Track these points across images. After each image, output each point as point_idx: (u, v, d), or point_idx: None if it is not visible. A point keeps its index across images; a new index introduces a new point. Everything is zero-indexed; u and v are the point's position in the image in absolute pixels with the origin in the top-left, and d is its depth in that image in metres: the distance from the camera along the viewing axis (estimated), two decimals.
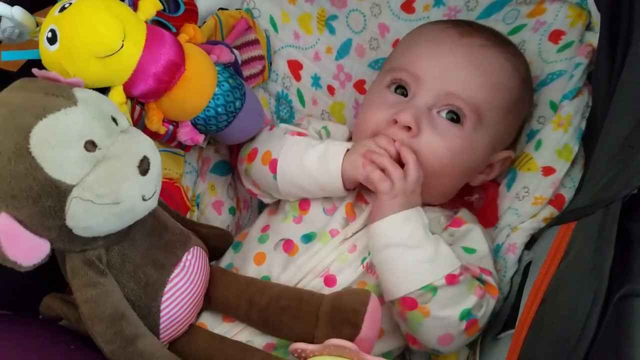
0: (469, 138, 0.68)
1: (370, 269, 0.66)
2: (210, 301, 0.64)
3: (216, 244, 0.70)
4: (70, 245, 0.51)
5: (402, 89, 0.72)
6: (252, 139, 0.76)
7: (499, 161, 0.73)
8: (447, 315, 0.62)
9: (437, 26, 0.74)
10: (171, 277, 0.58)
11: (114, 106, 0.53)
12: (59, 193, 0.47)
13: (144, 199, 0.51)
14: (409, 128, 0.67)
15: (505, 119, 0.71)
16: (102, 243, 0.53)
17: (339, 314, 0.57)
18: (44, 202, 0.46)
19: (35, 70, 0.52)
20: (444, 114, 0.69)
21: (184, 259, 0.59)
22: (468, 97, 0.68)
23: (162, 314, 0.57)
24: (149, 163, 0.50)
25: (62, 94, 0.49)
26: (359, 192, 0.71)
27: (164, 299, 0.57)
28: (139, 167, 0.50)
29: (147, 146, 0.52)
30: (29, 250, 0.48)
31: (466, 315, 0.62)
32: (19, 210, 0.46)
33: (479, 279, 0.65)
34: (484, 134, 0.69)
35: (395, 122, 0.68)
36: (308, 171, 0.68)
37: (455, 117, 0.69)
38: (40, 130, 0.46)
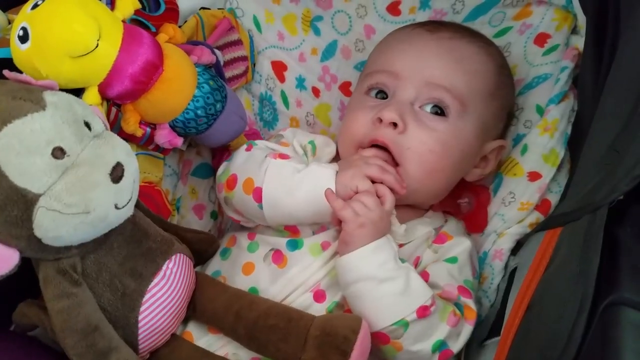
0: (456, 128, 0.68)
1: None
2: (195, 310, 0.62)
3: (201, 248, 0.68)
4: (42, 253, 0.49)
5: (382, 94, 0.71)
6: (230, 162, 0.71)
7: (493, 152, 0.73)
8: (419, 349, 0.61)
9: (406, 28, 0.75)
10: (150, 286, 0.55)
11: (89, 109, 0.51)
12: (25, 202, 0.45)
13: (117, 208, 0.49)
14: (395, 125, 0.66)
15: (489, 106, 0.70)
16: (77, 252, 0.51)
17: (328, 340, 0.56)
18: (9, 212, 0.45)
19: (6, 72, 0.50)
20: (427, 108, 0.68)
21: (164, 267, 0.57)
22: (448, 85, 0.67)
23: (140, 324, 0.55)
24: (123, 170, 0.48)
25: (30, 97, 0.46)
26: None
27: (142, 309, 0.55)
28: (111, 174, 0.47)
29: (122, 152, 0.49)
30: None
31: (439, 347, 0.61)
32: None
33: (456, 303, 0.64)
34: (470, 122, 0.69)
35: (380, 121, 0.67)
36: (299, 200, 0.64)
37: (439, 111, 0.68)
38: (5, 136, 0.44)
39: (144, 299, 0.55)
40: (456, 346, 0.62)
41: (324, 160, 0.73)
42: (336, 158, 0.75)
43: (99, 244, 0.52)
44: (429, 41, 0.70)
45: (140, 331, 0.55)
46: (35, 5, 0.53)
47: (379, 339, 0.60)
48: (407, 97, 0.68)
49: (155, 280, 0.56)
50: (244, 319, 0.59)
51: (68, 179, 0.46)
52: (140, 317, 0.55)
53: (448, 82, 0.67)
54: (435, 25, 0.72)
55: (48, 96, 0.47)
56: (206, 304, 0.62)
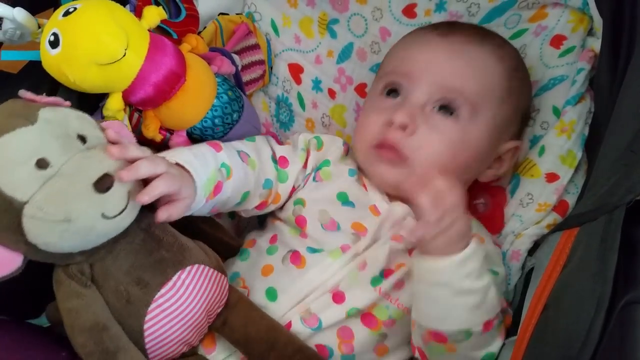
0: (466, 129, 0.68)
1: (388, 295, 0.65)
2: (225, 325, 0.62)
3: (218, 249, 0.67)
4: (47, 259, 0.51)
5: (395, 93, 0.72)
6: None
7: (507, 153, 0.73)
8: (472, 356, 0.60)
9: (420, 30, 0.76)
10: (156, 296, 0.55)
11: (89, 124, 0.53)
12: (13, 210, 0.47)
13: (105, 217, 0.49)
14: (406, 127, 0.67)
15: (502, 108, 0.70)
16: (81, 259, 0.53)
17: None
18: (2, 218, 0.48)
19: (21, 92, 0.53)
20: (437, 108, 0.68)
21: (175, 278, 0.56)
22: (460, 87, 0.68)
23: (146, 333, 0.55)
24: (112, 181, 0.49)
25: (24, 114, 0.49)
26: (372, 205, 0.70)
27: (147, 318, 0.55)
28: (96, 184, 0.49)
29: (115, 163, 0.50)
30: None
31: (488, 358, 0.61)
32: None
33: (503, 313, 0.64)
34: (480, 125, 0.69)
35: (392, 123, 0.68)
36: None
37: (448, 111, 0.68)
38: None
39: (150, 309, 0.55)
40: (497, 351, 0.62)
41: (332, 157, 0.74)
42: (350, 156, 0.76)
43: (106, 252, 0.54)
44: (439, 44, 0.71)
45: (146, 340, 0.56)
46: (67, 13, 0.54)
47: (435, 336, 0.59)
48: (418, 98, 0.69)
49: (162, 291, 0.55)
50: (278, 350, 0.59)
51: (49, 188, 0.48)
52: (145, 326, 0.55)
53: (459, 84, 0.68)
54: (447, 29, 0.73)
55: (44, 112, 0.50)
56: (239, 326, 0.61)
